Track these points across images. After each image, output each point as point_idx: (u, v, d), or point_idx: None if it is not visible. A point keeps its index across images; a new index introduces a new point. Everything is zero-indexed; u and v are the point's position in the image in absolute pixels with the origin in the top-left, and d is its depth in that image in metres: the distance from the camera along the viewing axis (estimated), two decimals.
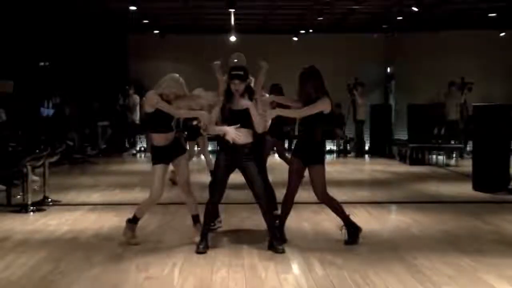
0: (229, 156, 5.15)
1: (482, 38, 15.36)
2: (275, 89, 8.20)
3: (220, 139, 5.25)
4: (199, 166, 11.00)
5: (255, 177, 5.16)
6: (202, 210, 5.33)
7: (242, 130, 5.10)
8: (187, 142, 9.01)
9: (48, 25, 12.67)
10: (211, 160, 9.22)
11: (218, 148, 5.30)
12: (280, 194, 6.28)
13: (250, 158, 5.14)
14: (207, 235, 5.22)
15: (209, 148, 9.51)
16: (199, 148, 9.42)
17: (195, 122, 8.41)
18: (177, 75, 5.35)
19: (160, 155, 5.27)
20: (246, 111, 5.10)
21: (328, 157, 15.03)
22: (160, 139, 5.26)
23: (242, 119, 5.10)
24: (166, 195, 8.10)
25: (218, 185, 5.21)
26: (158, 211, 6.81)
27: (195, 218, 5.47)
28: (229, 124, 5.11)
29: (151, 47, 15.60)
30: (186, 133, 8.93)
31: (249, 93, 5.18)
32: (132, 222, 5.40)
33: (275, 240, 5.14)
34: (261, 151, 5.97)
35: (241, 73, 5.09)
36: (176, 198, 7.87)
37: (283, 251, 5.02)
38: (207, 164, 8.96)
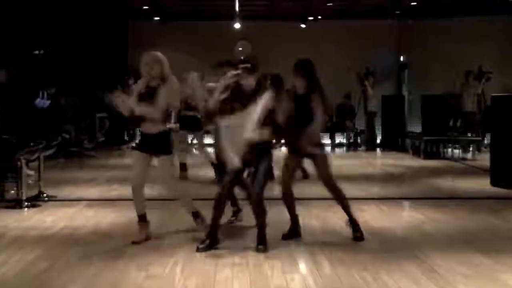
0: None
1: (500, 24, 15.27)
2: (275, 80, 8.06)
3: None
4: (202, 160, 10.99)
5: (258, 175, 5.14)
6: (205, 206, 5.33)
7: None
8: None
9: (43, 11, 12.66)
10: (210, 153, 9.26)
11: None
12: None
13: (261, 156, 5.11)
14: (215, 232, 5.17)
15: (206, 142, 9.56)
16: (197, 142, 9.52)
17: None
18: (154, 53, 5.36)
19: (140, 142, 5.43)
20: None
21: (338, 151, 15.04)
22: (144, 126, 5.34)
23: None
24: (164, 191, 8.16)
25: (230, 176, 5.16)
26: (158, 208, 6.82)
27: (195, 214, 5.50)
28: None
29: (151, 34, 15.59)
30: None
31: (258, 87, 5.14)
32: (139, 220, 5.43)
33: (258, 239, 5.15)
34: None
35: (248, 65, 5.06)
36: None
37: (262, 250, 5.01)
38: (208, 158, 9.00)
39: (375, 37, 15.76)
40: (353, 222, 5.53)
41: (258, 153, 5.11)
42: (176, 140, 9.86)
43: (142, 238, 5.35)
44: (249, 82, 5.10)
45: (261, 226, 5.17)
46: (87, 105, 14.55)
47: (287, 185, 5.49)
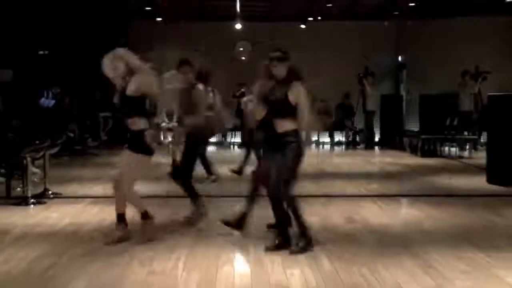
0: (270, 144, 5.10)
1: (497, 24, 15.24)
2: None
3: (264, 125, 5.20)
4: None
5: (274, 167, 4.98)
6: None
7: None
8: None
9: (47, 12, 12.67)
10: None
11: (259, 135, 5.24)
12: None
13: (285, 148, 4.96)
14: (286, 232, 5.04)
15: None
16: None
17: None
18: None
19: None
20: (285, 98, 4.93)
21: (337, 149, 15.04)
22: None
23: (281, 106, 4.96)
24: (167, 188, 8.17)
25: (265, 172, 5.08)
26: (160, 205, 6.82)
27: (144, 215, 5.28)
28: (271, 114, 5.03)
29: (154, 35, 15.57)
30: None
31: (293, 77, 5.00)
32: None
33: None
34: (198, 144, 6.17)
35: (278, 54, 4.99)
36: (178, 191, 7.90)
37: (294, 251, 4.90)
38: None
39: (374, 38, 15.75)
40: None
41: (280, 145, 4.97)
42: (175, 138, 9.88)
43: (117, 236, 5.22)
44: (280, 71, 4.99)
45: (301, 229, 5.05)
46: (91, 105, 14.56)
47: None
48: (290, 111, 4.93)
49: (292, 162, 4.96)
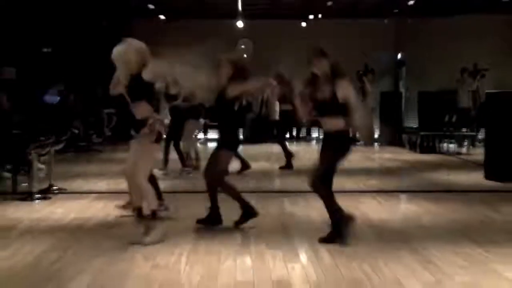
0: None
1: (496, 22, 15.25)
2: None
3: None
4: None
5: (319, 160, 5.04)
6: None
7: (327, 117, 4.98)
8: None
9: (51, 10, 12.68)
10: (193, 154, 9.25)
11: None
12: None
13: (327, 147, 5.04)
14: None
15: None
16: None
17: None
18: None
19: None
20: (331, 98, 4.88)
21: None
22: None
23: (328, 105, 4.92)
24: (170, 183, 8.20)
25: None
26: (163, 200, 6.84)
27: (139, 211, 5.26)
28: (319, 113, 5.01)
29: (156, 32, 15.55)
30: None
31: (337, 72, 4.96)
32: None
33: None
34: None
35: (317, 50, 4.97)
36: (181, 187, 7.94)
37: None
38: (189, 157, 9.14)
39: (374, 35, 15.76)
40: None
41: (329, 143, 5.02)
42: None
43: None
44: (321, 67, 4.96)
45: (332, 221, 5.07)
46: (95, 102, 14.58)
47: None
48: (339, 109, 4.90)
49: (331, 158, 5.01)
